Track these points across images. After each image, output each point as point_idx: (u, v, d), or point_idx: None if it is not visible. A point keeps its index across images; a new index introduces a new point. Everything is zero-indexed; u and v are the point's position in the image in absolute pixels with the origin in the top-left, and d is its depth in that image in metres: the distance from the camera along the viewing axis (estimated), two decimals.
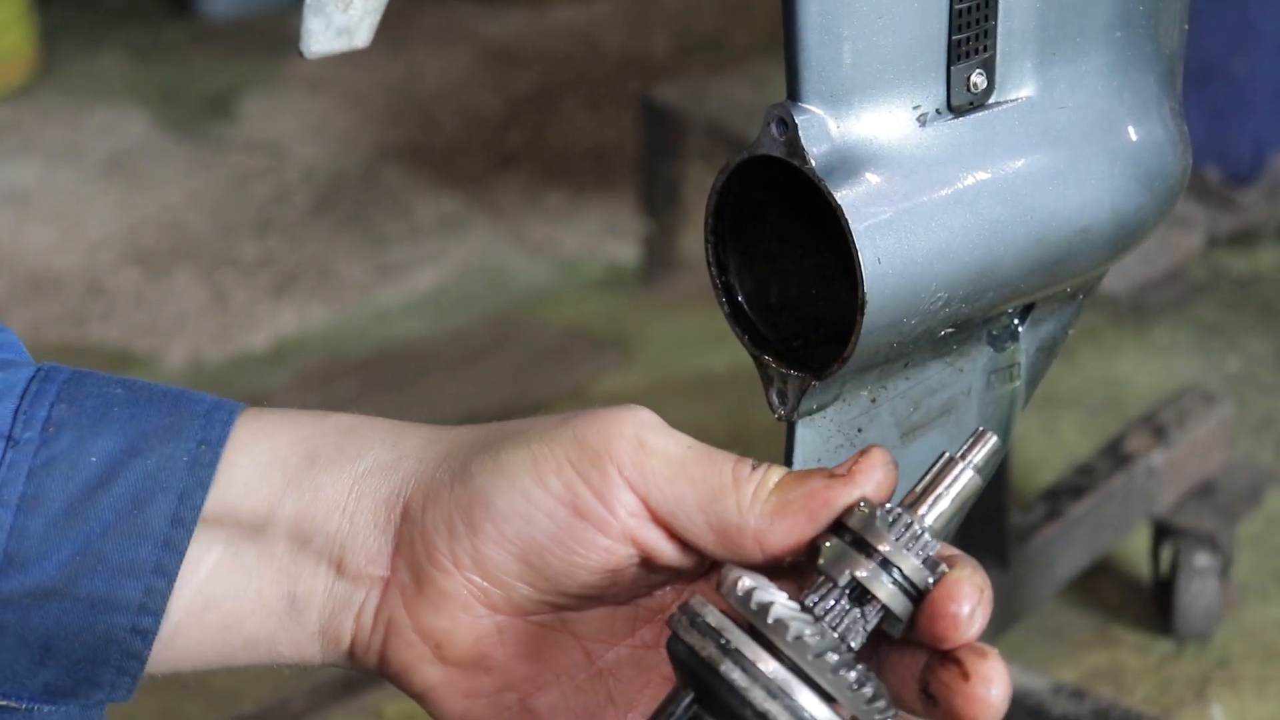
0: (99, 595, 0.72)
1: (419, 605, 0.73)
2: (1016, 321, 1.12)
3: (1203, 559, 1.86)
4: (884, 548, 0.70)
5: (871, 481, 0.72)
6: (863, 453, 0.74)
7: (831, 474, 0.72)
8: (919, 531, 0.71)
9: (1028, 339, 1.13)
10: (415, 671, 0.74)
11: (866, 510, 0.71)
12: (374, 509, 0.74)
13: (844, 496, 0.71)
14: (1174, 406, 1.97)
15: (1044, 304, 1.12)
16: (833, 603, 0.69)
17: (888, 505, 0.72)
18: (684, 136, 2.72)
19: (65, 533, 0.71)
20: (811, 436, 1.04)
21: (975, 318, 1.08)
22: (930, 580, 0.69)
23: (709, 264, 1.03)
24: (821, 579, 0.70)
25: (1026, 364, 1.12)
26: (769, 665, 0.66)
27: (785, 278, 1.00)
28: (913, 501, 0.73)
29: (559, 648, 0.74)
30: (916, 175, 1.01)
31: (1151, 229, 1.10)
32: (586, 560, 0.71)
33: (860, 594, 0.70)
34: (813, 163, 0.97)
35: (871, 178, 0.97)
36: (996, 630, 1.75)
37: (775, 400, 1.05)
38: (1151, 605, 1.92)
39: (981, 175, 1.02)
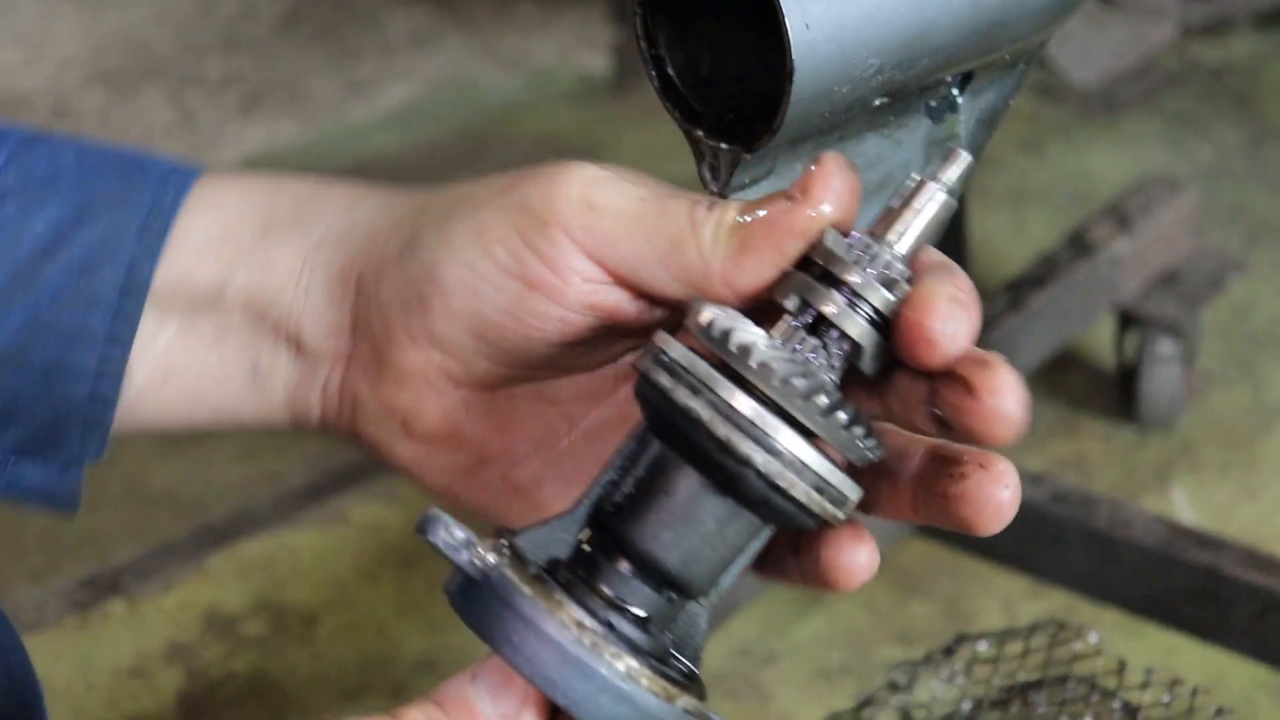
0: (52, 363, 0.70)
1: (381, 382, 0.70)
2: (955, 91, 1.09)
3: (1166, 346, 1.84)
4: (852, 279, 0.65)
5: (831, 192, 0.67)
6: (817, 163, 0.69)
7: (788, 195, 0.67)
8: (888, 260, 0.66)
9: (967, 110, 1.10)
10: (387, 447, 0.71)
11: (831, 240, 0.66)
12: (328, 282, 0.71)
13: (806, 219, 0.66)
14: (1139, 196, 1.94)
15: (983, 72, 1.09)
16: (800, 343, 0.64)
17: (855, 234, 0.67)
18: None
19: (12, 301, 0.69)
20: None
21: (910, 86, 1.05)
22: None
23: (636, 37, 1.00)
24: (789, 319, 0.65)
25: (967, 136, 1.09)
26: (742, 402, 0.61)
27: (718, 52, 0.97)
28: (882, 227, 0.68)
29: (535, 416, 0.71)
30: None
31: None
32: (543, 332, 0.67)
33: (829, 331, 0.65)
34: None
35: None
36: None
37: (707, 175, 1.02)
38: (1116, 394, 1.91)
39: None
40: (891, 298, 0.64)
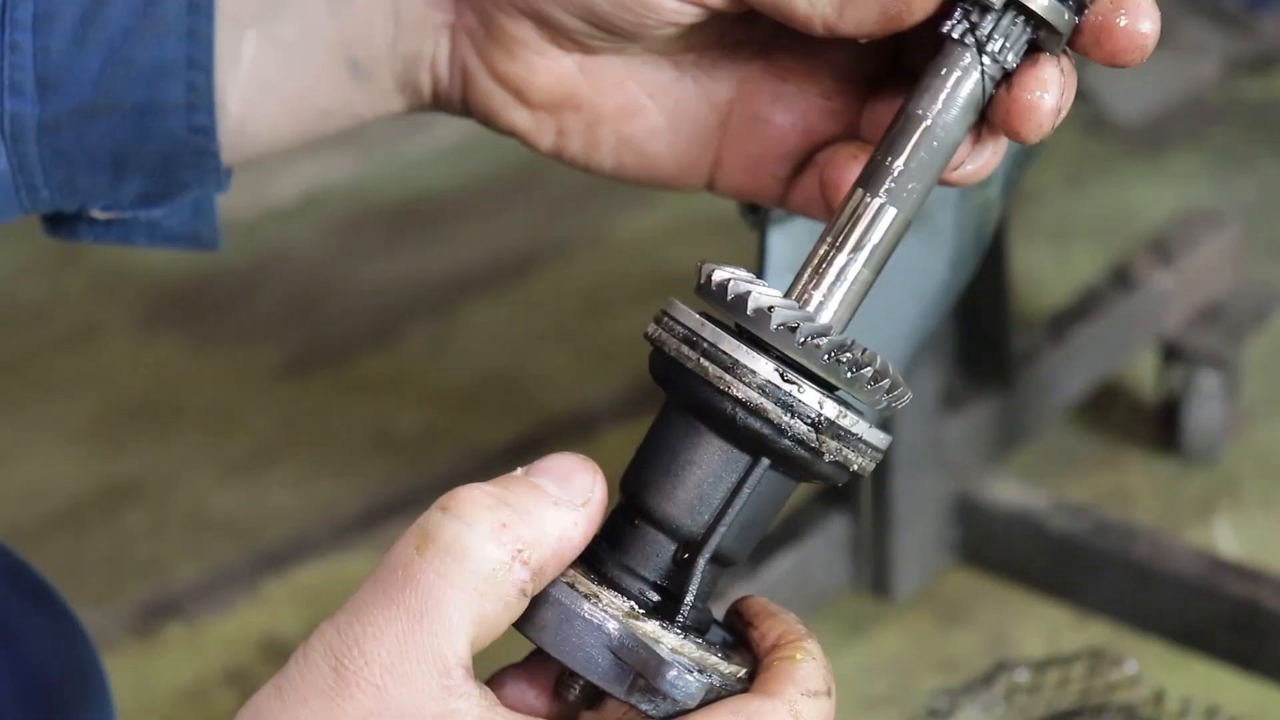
0: (142, 102, 0.68)
1: (491, 51, 0.67)
2: None
3: (1209, 380, 1.84)
4: None
5: None
6: None
7: None
8: None
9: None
10: (501, 116, 0.69)
11: None
12: None
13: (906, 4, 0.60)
14: (1182, 230, 1.94)
15: None
16: (989, 24, 0.60)
17: None
18: None
19: (86, 45, 0.66)
20: (783, 243, 1.03)
21: None
22: None
23: None
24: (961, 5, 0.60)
25: (1001, 170, 1.10)
26: (760, 365, 0.59)
27: None
28: None
29: (652, 69, 0.68)
30: None
31: None
32: (657, 22, 0.64)
33: (1015, 8, 0.60)
34: None
35: None
36: (1002, 451, 1.74)
37: (745, 209, 1.04)
38: (1159, 427, 1.91)
39: None
40: None
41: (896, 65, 0.66)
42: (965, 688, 1.23)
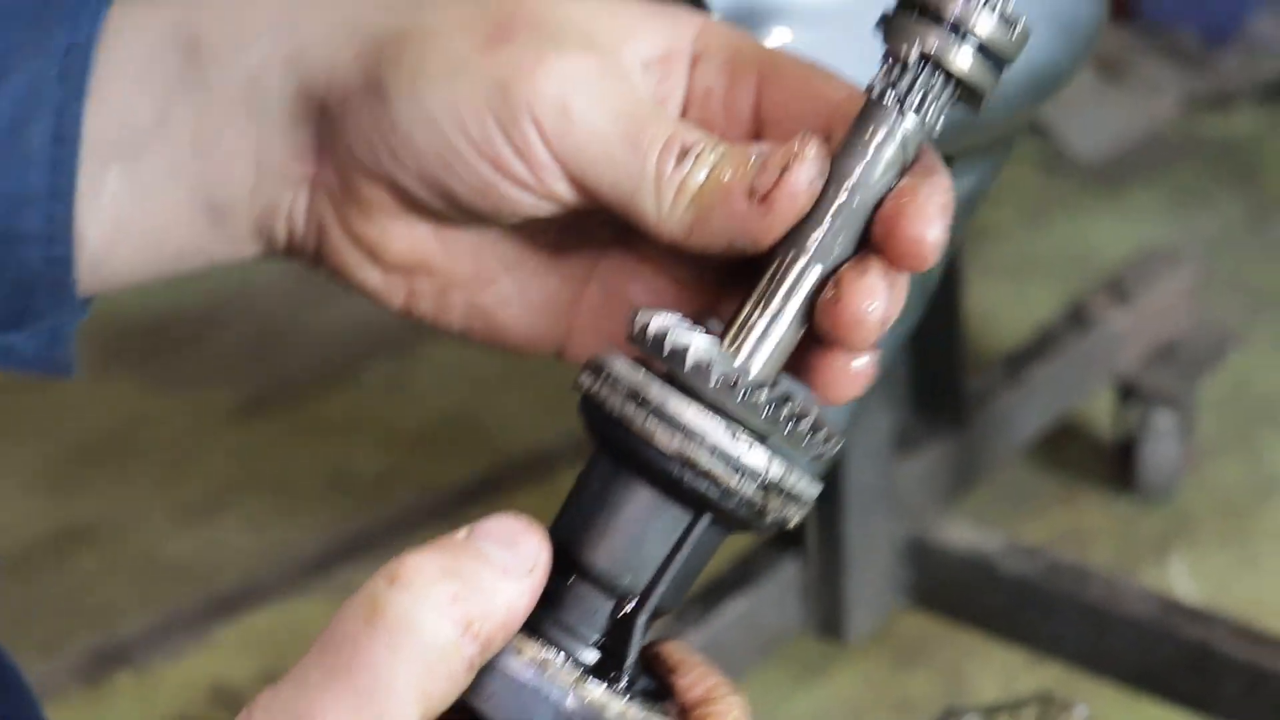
0: (1, 230, 0.67)
1: (348, 211, 0.67)
2: None
3: (1165, 419, 1.85)
4: (955, 10, 0.59)
5: (786, 208, 0.60)
6: (782, 146, 0.62)
7: (756, 177, 0.60)
8: None
9: None
10: (353, 274, 0.68)
11: None
12: (283, 103, 0.67)
13: (761, 228, 0.60)
14: (1138, 268, 1.96)
15: (961, 156, 1.10)
16: (906, 83, 0.60)
17: None
18: None
19: None
20: None
21: None
22: (1013, 41, 0.59)
23: None
24: (888, 62, 0.60)
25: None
26: (710, 426, 0.59)
27: None
28: None
29: (507, 242, 0.68)
30: (824, 27, 1.00)
31: (1066, 76, 1.08)
32: (513, 209, 0.64)
33: (933, 71, 0.60)
34: (716, 17, 0.96)
35: (779, 32, 0.96)
36: (957, 492, 1.74)
37: None
38: (1114, 466, 1.92)
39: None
40: (1007, 28, 0.60)
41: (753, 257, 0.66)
42: None
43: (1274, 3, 2.76)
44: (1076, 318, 1.88)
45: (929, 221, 0.59)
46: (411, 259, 0.67)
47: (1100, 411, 1.97)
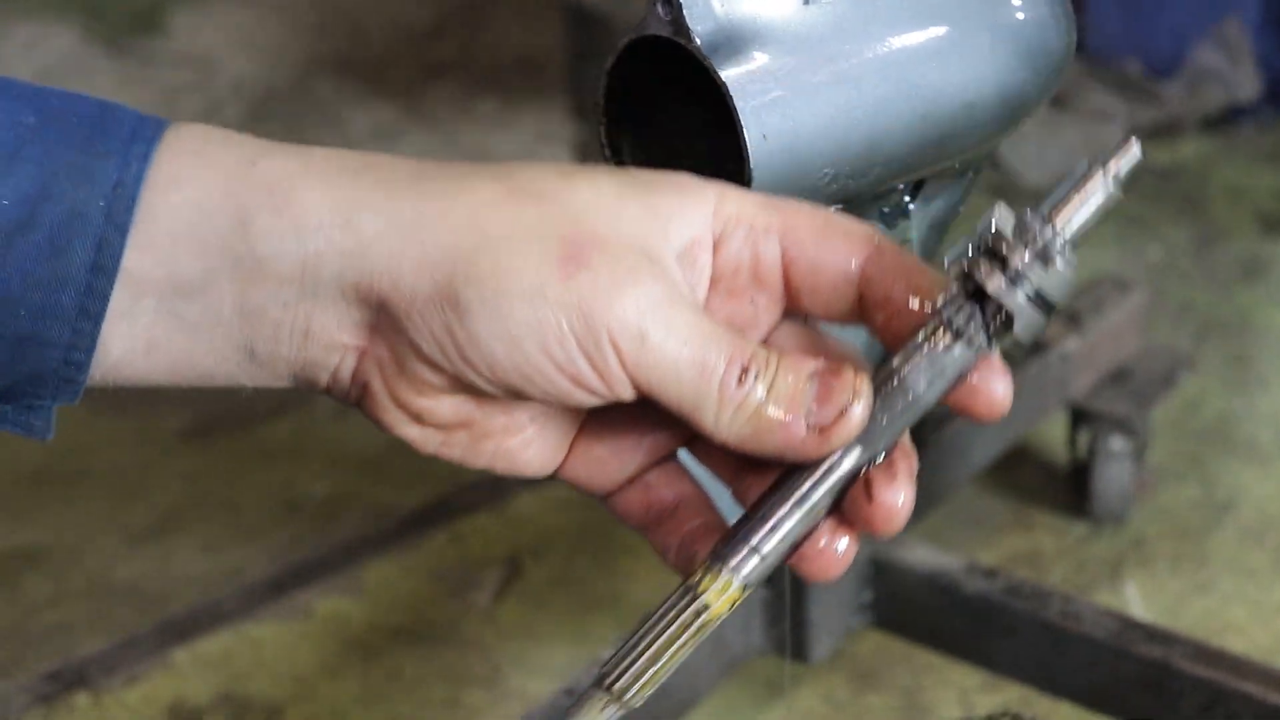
0: (25, 335, 0.70)
1: (397, 383, 0.72)
2: (907, 199, 1.14)
3: (1117, 442, 1.89)
4: (1016, 259, 0.70)
5: (842, 438, 0.71)
6: (839, 378, 0.73)
7: (817, 410, 0.71)
8: (1059, 245, 0.70)
9: (919, 216, 1.15)
10: (391, 428, 0.74)
11: (1000, 217, 0.71)
12: (340, 288, 0.70)
13: (817, 452, 0.71)
14: (1089, 294, 2.00)
15: (933, 180, 1.14)
16: (970, 317, 0.70)
17: (1025, 213, 0.72)
18: (611, 38, 2.71)
19: None
20: None
21: (864, 194, 1.10)
22: (1065, 290, 0.70)
23: (602, 146, 1.05)
24: (958, 292, 0.70)
25: (918, 240, 1.14)
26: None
27: (678, 158, 1.02)
28: (1049, 212, 0.72)
29: (537, 405, 0.75)
30: (801, 52, 1.02)
31: (1036, 104, 1.12)
32: (575, 404, 0.73)
33: (986, 306, 0.70)
34: (698, 41, 0.99)
35: (758, 56, 0.99)
36: (914, 514, 1.77)
37: None
38: (1069, 489, 1.96)
39: (865, 52, 1.04)
40: (1061, 280, 0.70)
41: None
42: None
43: (1217, 35, 2.82)
44: (1030, 343, 1.92)
45: (992, 397, 0.73)
46: (452, 422, 0.73)
47: (1054, 437, 2.01)
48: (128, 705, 1.72)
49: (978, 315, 0.69)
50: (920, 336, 0.71)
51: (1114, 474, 1.89)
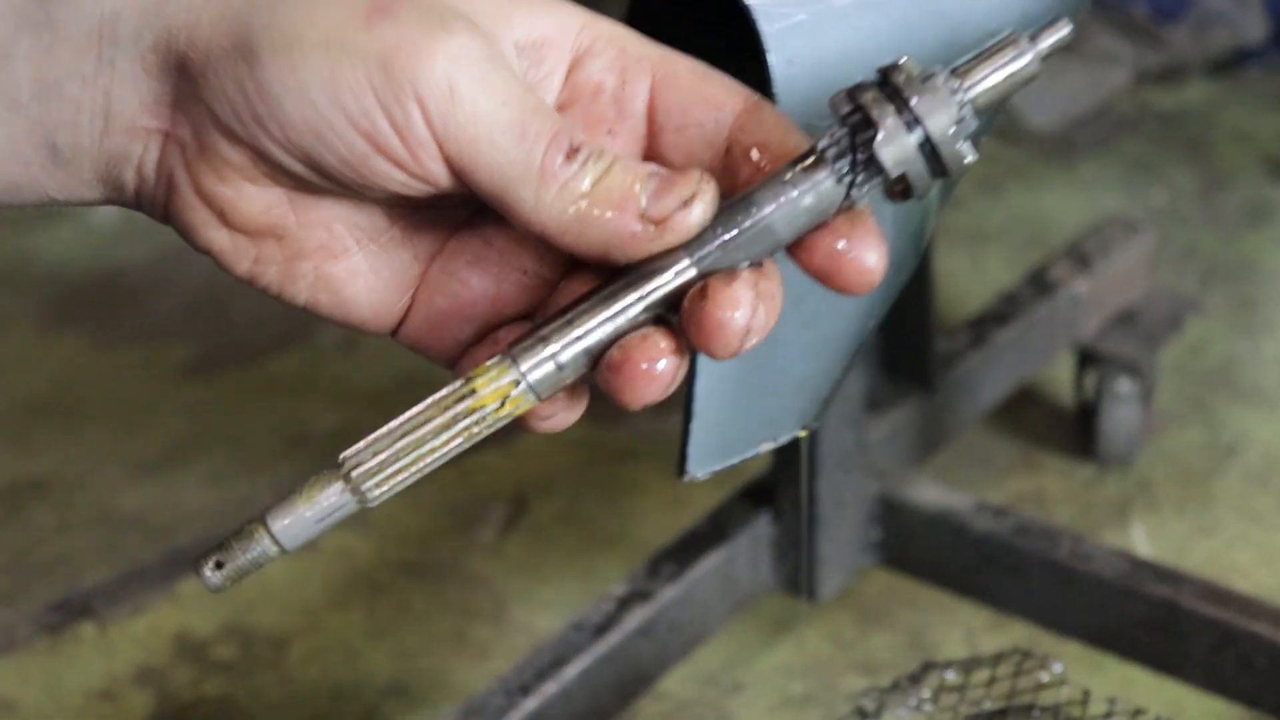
0: None
1: (200, 168, 0.64)
2: None
3: (1124, 385, 1.87)
4: (915, 104, 0.61)
5: (677, 234, 0.61)
6: (684, 175, 0.62)
7: (652, 200, 0.61)
8: (962, 100, 0.61)
9: None
10: (199, 233, 0.65)
11: (904, 68, 0.61)
12: (138, 54, 0.64)
13: (647, 247, 0.61)
14: (1097, 236, 1.98)
15: None
16: (841, 152, 0.61)
17: (933, 68, 0.62)
18: None
19: None
20: None
21: None
22: (964, 160, 0.61)
23: None
24: (839, 122, 0.62)
25: None
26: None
27: None
28: (961, 70, 0.63)
29: (360, 214, 0.66)
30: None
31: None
32: (383, 186, 0.63)
33: (864, 151, 0.61)
34: None
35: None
36: (923, 454, 1.76)
37: None
38: (1075, 432, 1.94)
39: None
40: (955, 138, 0.61)
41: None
42: (893, 687, 1.24)
43: None
44: (1039, 283, 1.90)
45: (861, 249, 0.61)
46: (262, 223, 0.65)
47: (1061, 379, 2.00)
48: (133, 636, 1.71)
49: (853, 149, 0.61)
50: (788, 169, 0.62)
51: (1121, 416, 1.87)
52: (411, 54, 0.60)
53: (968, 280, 2.25)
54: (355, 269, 0.67)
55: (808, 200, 0.61)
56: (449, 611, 1.72)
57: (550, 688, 1.41)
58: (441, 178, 0.62)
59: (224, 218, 0.65)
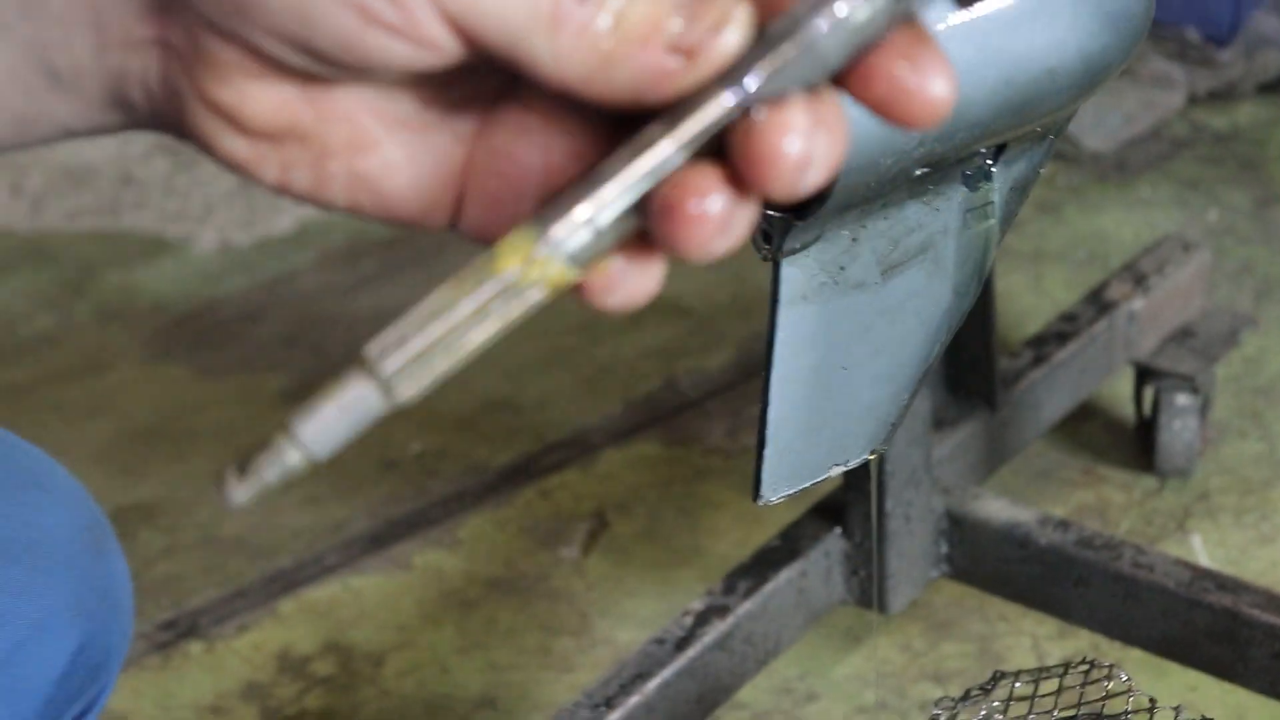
0: None
1: (200, 74, 0.57)
2: (989, 161, 1.12)
3: (1183, 399, 1.86)
4: None
5: (712, 62, 0.52)
6: (712, 1, 0.52)
7: (684, 33, 0.52)
8: None
9: (1001, 178, 1.13)
10: (216, 144, 0.58)
11: None
12: None
13: (680, 83, 0.52)
14: (1154, 255, 1.97)
15: (1015, 143, 1.12)
16: None
17: None
18: None
19: None
20: (795, 275, 1.05)
21: (949, 158, 1.08)
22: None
23: None
24: None
25: (1000, 202, 1.12)
26: None
27: None
28: None
29: (384, 100, 0.59)
30: None
31: (1117, 68, 1.09)
32: (384, 60, 0.55)
33: None
34: None
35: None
36: (988, 470, 1.76)
37: (760, 241, 1.05)
38: (1135, 445, 1.93)
39: (952, 19, 1.02)
40: None
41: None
42: (965, 697, 1.24)
43: (1273, 2, 2.77)
44: (1097, 302, 1.89)
45: (925, 74, 0.51)
46: (277, 124, 0.58)
47: (1121, 394, 1.99)
48: (239, 653, 1.73)
49: None
50: None
51: (1179, 429, 1.86)
52: None
53: (1029, 300, 2.24)
54: (391, 162, 0.58)
55: (860, 18, 0.51)
56: (535, 626, 1.74)
57: (633, 700, 1.42)
58: (447, 43, 0.54)
59: (237, 124, 0.57)
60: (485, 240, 0.59)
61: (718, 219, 0.52)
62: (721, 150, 0.52)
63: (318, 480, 2.00)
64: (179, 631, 1.75)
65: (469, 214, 0.59)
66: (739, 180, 0.52)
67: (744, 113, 0.51)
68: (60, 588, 0.84)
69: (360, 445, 2.09)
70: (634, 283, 0.54)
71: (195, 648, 1.74)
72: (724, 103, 0.51)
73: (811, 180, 0.52)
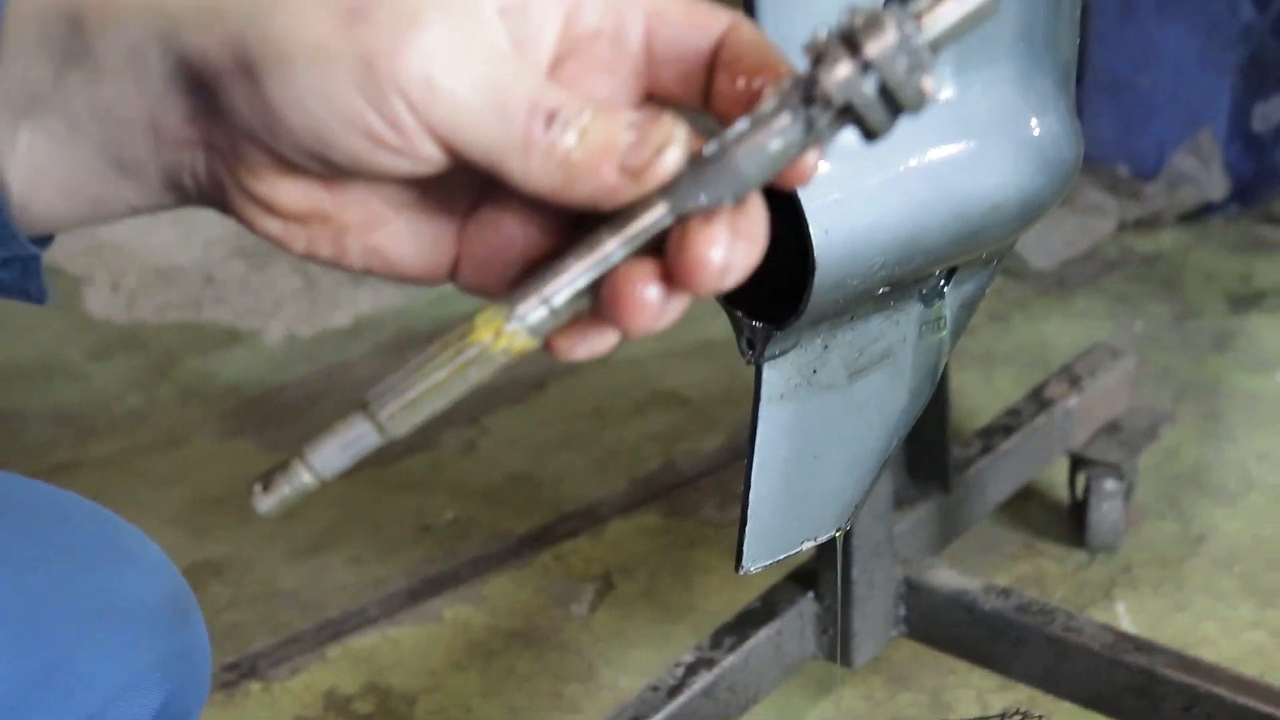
0: None
1: (239, 169, 0.60)
2: (942, 282, 1.14)
3: (1110, 484, 1.87)
4: (871, 51, 0.53)
5: (654, 180, 0.55)
6: (656, 124, 0.55)
7: (629, 151, 0.55)
8: (917, 45, 0.53)
9: (952, 296, 1.14)
10: (255, 224, 0.62)
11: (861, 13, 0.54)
12: (165, 76, 0.60)
13: (627, 195, 0.56)
14: (1087, 359, 1.98)
15: (965, 267, 1.13)
16: (811, 98, 0.54)
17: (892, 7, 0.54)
18: None
19: None
20: (775, 377, 1.06)
21: (907, 279, 1.10)
22: (918, 94, 0.53)
23: None
24: (807, 70, 0.54)
25: (951, 317, 1.14)
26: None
27: None
28: (918, 9, 0.54)
29: (391, 189, 0.61)
30: (856, 161, 1.02)
31: (1051, 205, 1.11)
32: (391, 170, 0.58)
33: (818, 92, 0.54)
34: None
35: (821, 164, 0.99)
36: (941, 544, 1.76)
37: (745, 347, 1.07)
38: (1069, 524, 1.93)
39: (910, 162, 1.03)
40: (910, 82, 0.53)
41: None
42: None
43: (1193, 145, 2.79)
44: (1038, 400, 1.90)
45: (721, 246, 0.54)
46: (305, 210, 0.61)
47: (1057, 479, 1.99)
48: (291, 692, 1.73)
49: (810, 91, 0.54)
50: (756, 110, 0.55)
51: (1107, 510, 1.86)
52: (389, 54, 0.55)
53: (980, 396, 2.25)
54: (398, 235, 0.62)
55: (774, 144, 0.54)
56: (548, 674, 1.73)
57: None
58: (439, 158, 0.57)
59: (270, 208, 0.61)
60: (479, 292, 0.64)
61: (654, 305, 0.55)
62: (661, 246, 0.56)
63: (361, 543, 2.00)
64: (241, 672, 1.75)
65: (464, 273, 0.63)
66: (671, 276, 0.55)
67: (677, 218, 0.55)
68: (148, 652, 0.85)
69: (400, 513, 2.10)
70: (593, 343, 0.58)
71: (254, 687, 1.74)
72: (660, 212, 0.55)
73: (730, 282, 0.55)
